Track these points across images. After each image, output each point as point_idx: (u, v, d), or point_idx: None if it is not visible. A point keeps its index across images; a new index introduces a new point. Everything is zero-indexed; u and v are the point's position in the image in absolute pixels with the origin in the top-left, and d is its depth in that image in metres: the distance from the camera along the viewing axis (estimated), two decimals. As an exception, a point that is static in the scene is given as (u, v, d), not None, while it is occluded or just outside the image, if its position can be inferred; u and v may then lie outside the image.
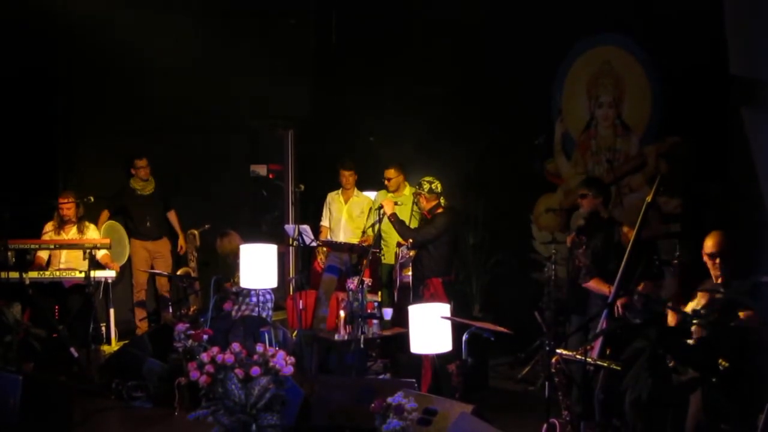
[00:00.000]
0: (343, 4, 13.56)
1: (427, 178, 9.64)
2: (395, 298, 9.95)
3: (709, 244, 7.34)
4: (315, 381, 8.52)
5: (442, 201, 9.73)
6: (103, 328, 11.65)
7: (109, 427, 8.85)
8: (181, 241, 12.42)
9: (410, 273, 9.70)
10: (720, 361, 6.65)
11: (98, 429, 8.67)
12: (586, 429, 7.34)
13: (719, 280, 7.33)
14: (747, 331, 6.72)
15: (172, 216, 12.51)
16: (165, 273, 11.87)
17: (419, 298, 9.30)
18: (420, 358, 8.85)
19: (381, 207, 10.07)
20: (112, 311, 11.59)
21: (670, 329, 7.18)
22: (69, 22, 11.45)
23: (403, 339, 8.59)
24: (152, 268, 12.19)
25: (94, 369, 10.00)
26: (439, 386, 8.79)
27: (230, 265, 10.33)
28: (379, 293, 10.23)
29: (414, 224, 10.40)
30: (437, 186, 9.61)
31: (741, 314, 6.84)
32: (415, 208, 10.54)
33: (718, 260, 7.32)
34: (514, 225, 11.88)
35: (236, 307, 10.09)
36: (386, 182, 11.18)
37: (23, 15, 11.20)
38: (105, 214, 12.17)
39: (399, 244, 10.07)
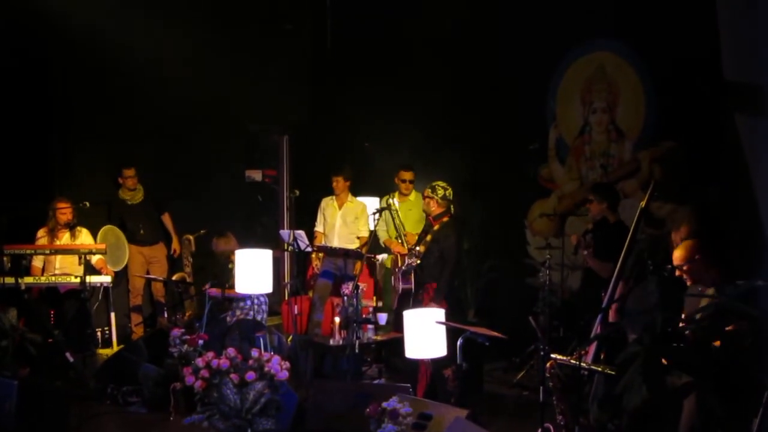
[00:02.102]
0: (338, 9, 13.58)
1: (441, 184, 9.57)
2: (394, 304, 9.93)
3: (676, 255, 7.38)
4: (310, 386, 8.54)
5: (451, 208, 9.70)
6: (106, 332, 11.67)
7: (104, 432, 8.88)
8: (175, 244, 12.43)
9: (412, 279, 9.66)
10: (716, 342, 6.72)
11: (93, 434, 8.70)
12: (580, 433, 7.37)
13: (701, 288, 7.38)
14: (741, 335, 6.74)
15: (166, 219, 12.51)
16: (161, 278, 11.88)
17: (419, 303, 9.29)
18: (417, 363, 8.86)
19: (378, 211, 10.12)
20: (113, 315, 11.59)
21: (665, 334, 7.21)
22: (65, 27, 11.44)
23: (400, 344, 8.64)
24: (148, 273, 12.21)
25: (90, 374, 10.00)
26: (435, 391, 8.82)
27: (221, 265, 10.38)
28: (374, 298, 10.24)
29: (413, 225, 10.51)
30: (450, 193, 9.57)
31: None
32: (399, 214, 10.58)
33: (685, 270, 7.36)
34: (508, 230, 11.91)
35: (230, 312, 10.12)
36: (401, 183, 11.22)
37: (19, 19, 11.20)
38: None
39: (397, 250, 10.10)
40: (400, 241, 10.51)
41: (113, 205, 12.34)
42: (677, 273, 7.37)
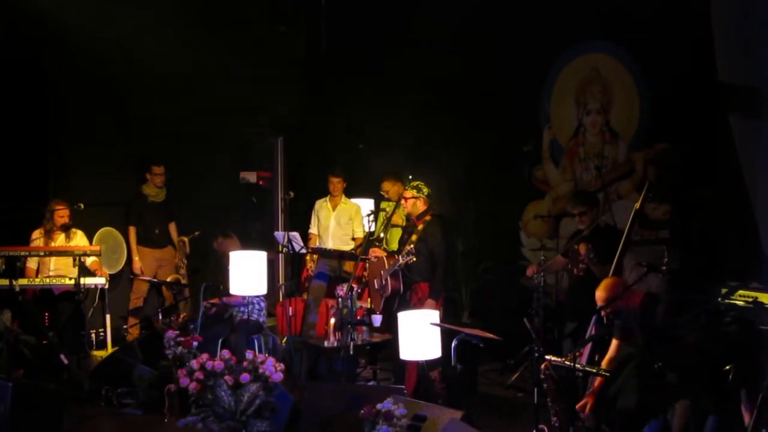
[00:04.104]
0: (333, 12, 13.58)
1: (417, 183, 9.59)
2: (380, 306, 9.90)
3: (599, 296, 7.38)
4: (304, 387, 8.53)
5: (432, 205, 9.71)
6: (101, 333, 11.66)
7: (99, 434, 8.87)
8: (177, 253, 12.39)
9: (400, 280, 9.63)
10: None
11: (88, 436, 8.69)
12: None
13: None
14: (736, 336, 6.76)
15: (172, 227, 12.50)
16: (154, 280, 11.86)
17: (406, 304, 9.29)
18: (404, 363, 8.84)
19: (372, 212, 10.15)
20: (108, 317, 11.58)
21: (659, 336, 7.22)
22: (61, 29, 11.42)
23: (390, 345, 8.66)
24: (155, 276, 12.16)
25: (84, 376, 9.98)
26: (426, 392, 8.82)
27: (222, 266, 10.38)
28: (368, 300, 10.24)
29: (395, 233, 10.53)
30: (426, 189, 9.59)
31: None
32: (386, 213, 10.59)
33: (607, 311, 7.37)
34: (503, 232, 11.92)
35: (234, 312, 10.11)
36: (385, 194, 11.22)
37: (14, 21, 11.19)
38: (132, 230, 12.28)
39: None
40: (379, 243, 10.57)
41: (133, 200, 12.40)
42: (603, 314, 7.37)
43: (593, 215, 8.87)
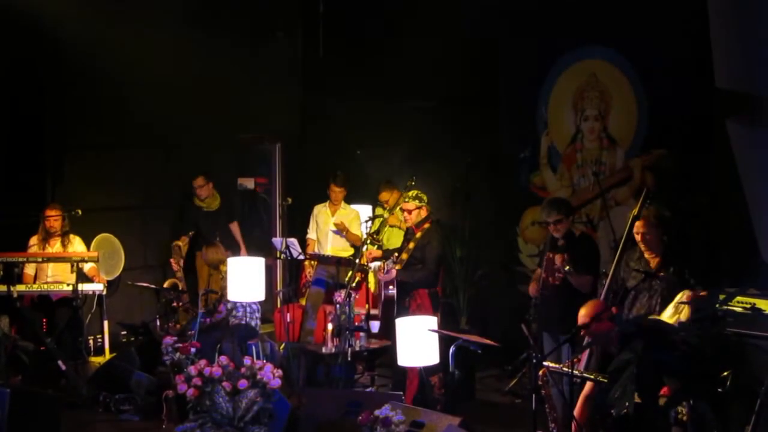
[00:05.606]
0: (330, 17, 13.59)
1: (416, 192, 9.59)
2: (379, 312, 9.91)
3: (582, 314, 7.39)
4: (302, 394, 8.53)
5: (430, 213, 9.72)
6: (99, 340, 11.64)
7: (96, 440, 8.86)
8: (243, 253, 12.33)
9: (394, 287, 9.63)
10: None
11: (86, 442, 8.69)
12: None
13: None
14: (734, 342, 6.76)
15: (234, 227, 12.58)
16: (153, 285, 11.85)
17: (405, 310, 9.30)
18: (405, 369, 8.85)
19: (371, 218, 10.15)
20: (105, 323, 11.56)
21: (657, 341, 7.22)
22: (58, 35, 11.41)
23: (388, 351, 8.66)
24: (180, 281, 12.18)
25: (82, 382, 9.97)
26: (425, 398, 8.82)
27: (209, 274, 10.40)
28: (366, 306, 10.24)
29: (395, 239, 10.49)
30: (425, 197, 9.60)
31: None
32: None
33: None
34: (500, 238, 11.92)
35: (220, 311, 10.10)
36: (385, 204, 11.22)
37: (11, 28, 11.18)
38: (184, 239, 12.27)
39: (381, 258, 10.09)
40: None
41: (186, 211, 12.54)
42: (582, 333, 7.38)
43: (568, 223, 8.81)
